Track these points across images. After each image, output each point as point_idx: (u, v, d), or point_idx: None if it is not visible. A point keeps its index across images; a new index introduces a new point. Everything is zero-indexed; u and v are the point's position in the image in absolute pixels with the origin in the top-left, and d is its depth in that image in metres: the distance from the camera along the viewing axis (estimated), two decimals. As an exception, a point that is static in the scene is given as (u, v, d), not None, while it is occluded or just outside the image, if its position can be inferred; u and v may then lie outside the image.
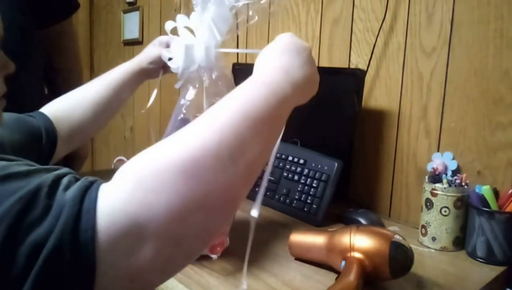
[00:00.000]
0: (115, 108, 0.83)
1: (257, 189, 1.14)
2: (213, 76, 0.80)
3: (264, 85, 0.48)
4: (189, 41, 0.80)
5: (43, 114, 0.80)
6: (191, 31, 0.81)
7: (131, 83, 0.85)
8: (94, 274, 0.35)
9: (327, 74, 1.22)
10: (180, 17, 0.82)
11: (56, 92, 1.31)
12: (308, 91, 0.59)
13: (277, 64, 0.53)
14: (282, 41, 0.58)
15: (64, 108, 0.83)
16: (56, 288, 0.34)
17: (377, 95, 1.19)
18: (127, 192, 0.37)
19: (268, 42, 1.49)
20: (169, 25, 0.82)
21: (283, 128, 0.52)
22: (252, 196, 1.20)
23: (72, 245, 0.34)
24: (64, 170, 0.40)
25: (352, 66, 1.24)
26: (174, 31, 0.83)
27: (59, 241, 0.34)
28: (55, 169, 0.40)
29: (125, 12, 2.36)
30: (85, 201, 0.36)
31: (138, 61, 0.86)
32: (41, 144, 0.76)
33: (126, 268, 0.36)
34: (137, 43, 2.29)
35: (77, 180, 0.39)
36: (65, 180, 0.38)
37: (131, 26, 2.31)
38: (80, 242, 0.34)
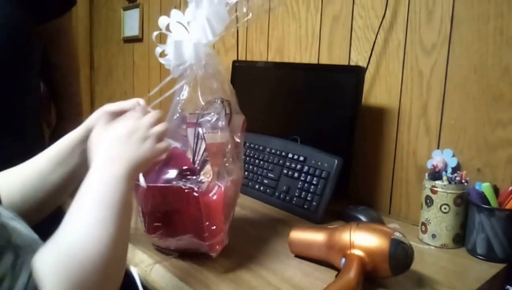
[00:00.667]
0: (66, 181, 0.72)
1: (256, 186, 1.14)
2: (207, 73, 0.80)
3: (105, 182, 0.58)
4: (178, 38, 0.80)
5: None
6: (185, 28, 0.81)
7: (75, 152, 0.73)
8: None
9: (327, 72, 1.23)
10: (175, 13, 0.82)
11: (54, 88, 1.30)
12: (143, 166, 0.66)
13: (108, 157, 0.62)
14: (113, 131, 0.66)
15: (7, 180, 0.72)
16: None
17: (377, 92, 1.19)
18: None
19: (268, 39, 1.49)
20: (162, 20, 0.82)
21: (132, 193, 0.64)
22: (251, 193, 1.21)
23: None
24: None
25: (352, 63, 1.24)
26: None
27: None
28: None
29: (125, 9, 2.35)
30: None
31: (84, 125, 0.75)
32: None
33: None
34: (137, 40, 2.28)
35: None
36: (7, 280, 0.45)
37: (131, 23, 2.31)
38: None
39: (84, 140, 0.71)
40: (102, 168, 0.60)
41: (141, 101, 0.74)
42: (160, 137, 0.68)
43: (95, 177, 0.59)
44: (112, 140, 0.64)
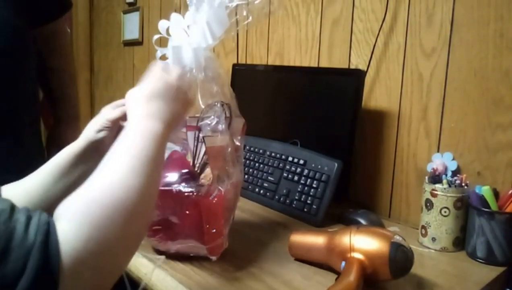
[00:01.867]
0: (69, 192, 0.70)
1: (256, 189, 1.14)
2: (207, 77, 0.80)
3: (143, 136, 0.58)
4: (177, 42, 0.80)
5: None
6: (185, 31, 0.81)
7: (80, 164, 0.72)
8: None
9: (327, 75, 1.23)
10: (174, 16, 0.82)
11: (51, 92, 1.30)
12: (179, 120, 0.69)
13: (146, 112, 0.62)
14: (147, 89, 0.66)
15: (11, 191, 0.71)
16: None
17: (377, 95, 1.19)
18: (82, 231, 0.45)
19: (268, 43, 1.49)
20: (162, 24, 0.82)
21: (165, 153, 0.64)
22: (251, 196, 1.20)
23: (43, 285, 0.41)
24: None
25: (352, 67, 1.24)
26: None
27: (31, 283, 0.40)
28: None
29: (125, 12, 2.36)
30: (50, 244, 0.43)
31: (84, 135, 0.74)
32: None
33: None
34: (137, 44, 2.29)
35: (27, 214, 0.45)
36: (21, 216, 0.44)
37: (131, 26, 2.31)
38: (49, 280, 0.42)
39: (85, 150, 0.72)
40: (139, 124, 0.60)
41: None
42: (189, 88, 0.70)
43: (131, 132, 0.59)
44: (148, 98, 0.64)
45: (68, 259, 0.43)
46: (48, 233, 0.43)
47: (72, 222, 0.45)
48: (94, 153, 0.72)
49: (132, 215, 0.50)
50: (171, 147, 0.84)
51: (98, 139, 0.71)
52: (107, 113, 0.73)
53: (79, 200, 0.48)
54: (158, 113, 0.62)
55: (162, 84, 0.66)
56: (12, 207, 0.45)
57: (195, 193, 0.75)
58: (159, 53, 0.84)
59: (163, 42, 0.83)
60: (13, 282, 0.40)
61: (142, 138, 0.58)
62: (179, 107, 0.67)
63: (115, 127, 0.73)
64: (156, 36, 0.82)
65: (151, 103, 0.64)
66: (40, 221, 0.44)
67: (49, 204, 0.68)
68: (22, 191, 0.70)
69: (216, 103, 0.80)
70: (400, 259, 0.70)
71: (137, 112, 0.63)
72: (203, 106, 0.79)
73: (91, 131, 0.73)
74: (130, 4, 2.32)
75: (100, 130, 0.73)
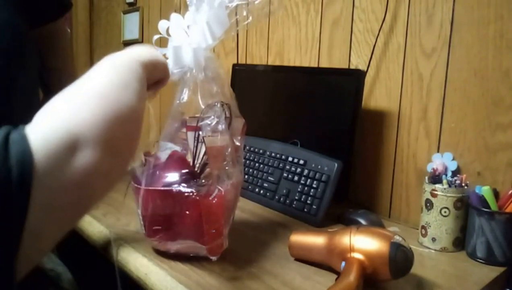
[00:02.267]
0: None
1: (256, 189, 1.14)
2: (207, 77, 0.80)
3: (119, 59, 0.56)
4: (177, 42, 0.80)
5: None
6: (185, 31, 0.81)
7: None
8: (30, 187, 0.37)
9: (327, 75, 1.23)
10: (174, 16, 0.82)
11: (51, 92, 1.31)
12: (155, 70, 0.64)
13: (126, 50, 0.60)
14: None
15: None
16: None
17: (377, 95, 1.19)
18: (58, 114, 0.44)
19: (268, 43, 1.49)
20: (162, 24, 0.82)
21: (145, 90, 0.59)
22: (251, 197, 1.20)
23: (4, 164, 0.36)
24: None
25: (352, 67, 1.24)
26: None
27: None
28: None
29: (125, 12, 2.36)
30: (12, 134, 0.39)
31: None
32: None
33: (70, 176, 0.40)
34: (137, 44, 2.29)
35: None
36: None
37: (131, 26, 2.31)
38: (12, 162, 0.37)
39: None
40: (118, 53, 0.58)
41: None
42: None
43: (110, 57, 0.56)
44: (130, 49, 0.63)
45: (39, 143, 0.39)
46: (10, 130, 0.40)
47: (40, 115, 0.45)
48: None
49: (112, 102, 0.47)
50: (171, 147, 0.84)
51: None
52: None
53: (56, 98, 0.48)
54: (135, 54, 0.60)
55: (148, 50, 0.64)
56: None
57: (195, 193, 0.75)
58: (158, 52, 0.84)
59: (163, 42, 0.83)
60: None
61: (121, 61, 0.56)
62: (158, 61, 0.64)
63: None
64: (156, 36, 0.82)
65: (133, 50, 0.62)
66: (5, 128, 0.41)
67: None
68: None
69: (216, 103, 0.80)
70: (400, 259, 0.70)
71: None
72: (203, 106, 0.79)
73: None
74: (130, 4, 2.32)
75: None
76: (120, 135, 0.47)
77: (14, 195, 0.36)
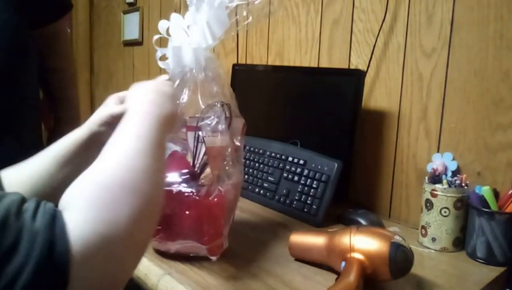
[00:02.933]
0: (73, 178, 0.69)
1: (256, 190, 1.14)
2: (207, 77, 0.80)
3: (145, 119, 0.58)
4: (177, 42, 0.80)
5: None
6: (185, 31, 0.81)
7: (81, 153, 0.73)
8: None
9: (327, 75, 1.23)
10: (174, 16, 0.82)
11: (51, 92, 1.31)
12: (173, 122, 0.68)
13: (148, 99, 0.63)
14: (142, 86, 0.68)
15: (14, 176, 0.73)
16: None
17: (377, 95, 1.19)
18: (91, 214, 0.43)
19: (268, 43, 1.49)
20: (162, 24, 0.82)
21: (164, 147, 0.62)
22: (251, 197, 1.20)
23: (50, 272, 0.38)
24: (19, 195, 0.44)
25: (352, 67, 1.24)
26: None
27: (35, 270, 0.37)
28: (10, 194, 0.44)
29: (125, 12, 2.36)
30: (56, 228, 0.40)
31: (88, 125, 0.75)
32: None
33: (99, 281, 0.42)
34: (137, 44, 2.29)
35: (36, 204, 0.43)
36: (30, 206, 0.42)
37: (131, 26, 2.31)
38: (57, 267, 0.39)
39: (87, 140, 0.72)
40: (140, 109, 0.61)
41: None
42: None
43: (134, 115, 0.59)
44: (150, 89, 0.66)
45: (78, 245, 0.40)
46: (54, 218, 0.41)
47: (79, 206, 0.43)
48: (96, 144, 0.71)
49: (141, 196, 0.48)
50: (171, 147, 0.84)
51: (100, 132, 0.71)
52: (110, 108, 0.73)
53: (85, 184, 0.46)
54: (160, 103, 0.63)
55: (162, 86, 0.69)
56: (23, 199, 0.43)
57: (195, 193, 0.75)
58: (159, 53, 0.84)
59: (163, 43, 0.83)
60: (18, 272, 0.37)
61: (146, 121, 0.58)
62: (173, 108, 0.67)
63: (117, 123, 0.72)
64: (156, 36, 0.82)
65: (153, 94, 0.65)
66: (47, 208, 0.42)
67: (54, 190, 0.67)
68: (25, 176, 0.71)
69: (216, 103, 0.80)
70: (400, 259, 0.70)
71: (139, 98, 0.63)
72: (203, 106, 0.79)
73: (94, 123, 0.73)
74: (130, 4, 2.32)
75: (102, 124, 0.72)
76: (148, 230, 0.50)
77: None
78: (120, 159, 0.50)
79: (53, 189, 0.69)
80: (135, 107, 0.62)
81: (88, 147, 0.71)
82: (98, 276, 0.42)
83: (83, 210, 0.43)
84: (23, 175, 0.71)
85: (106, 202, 0.44)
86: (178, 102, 0.71)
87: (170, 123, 0.65)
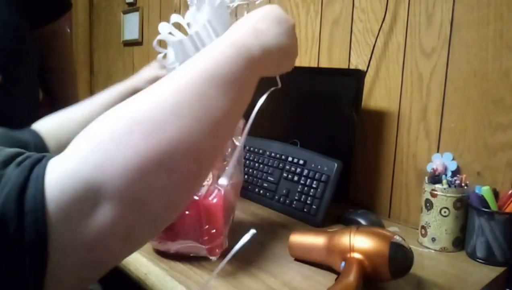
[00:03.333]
0: None
1: (256, 190, 1.14)
2: None
3: (232, 46, 0.46)
4: (178, 37, 0.80)
5: (32, 130, 0.77)
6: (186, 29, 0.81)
7: None
8: (46, 245, 0.32)
9: (327, 75, 1.23)
10: (175, 17, 0.82)
11: (51, 92, 1.31)
12: (280, 63, 0.56)
13: (251, 27, 0.50)
14: (266, 8, 0.56)
15: (52, 127, 0.76)
16: (3, 262, 0.31)
17: (377, 95, 1.19)
18: (79, 155, 0.35)
19: (268, 43, 1.49)
20: (163, 26, 0.82)
21: (251, 96, 0.51)
22: (250, 197, 1.20)
23: (17, 215, 0.32)
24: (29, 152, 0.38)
25: (351, 67, 1.24)
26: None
27: (1, 211, 0.31)
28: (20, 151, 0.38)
29: (125, 12, 2.36)
30: (34, 170, 0.34)
31: (132, 81, 0.77)
32: None
33: (82, 235, 0.34)
34: (137, 44, 2.29)
35: (28, 155, 0.37)
36: (22, 157, 0.36)
37: (130, 26, 2.31)
38: (26, 211, 0.32)
39: (129, 96, 0.70)
40: (233, 34, 0.49)
41: None
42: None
43: (219, 41, 0.47)
44: (258, 16, 0.53)
45: (53, 190, 0.33)
46: (36, 164, 0.35)
47: (70, 147, 0.36)
48: None
49: (160, 139, 0.37)
50: None
51: (143, 87, 0.68)
52: (157, 71, 0.72)
53: (91, 125, 0.38)
54: (263, 34, 0.50)
55: (280, 12, 0.56)
56: (19, 152, 0.37)
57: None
58: (160, 56, 0.84)
59: (163, 45, 0.83)
60: None
61: (225, 48, 0.46)
62: (288, 46, 0.54)
63: None
64: (156, 38, 0.82)
65: (260, 22, 0.52)
66: (35, 157, 0.36)
67: None
68: (71, 121, 0.72)
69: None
70: (399, 259, 0.70)
71: (240, 26, 0.51)
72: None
73: (138, 80, 0.73)
74: (130, 4, 2.32)
75: (146, 82, 0.71)
76: (157, 187, 0.37)
77: (28, 254, 0.32)
78: (158, 95, 0.40)
79: None
80: (234, 30, 0.50)
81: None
82: (81, 232, 0.34)
83: (72, 149, 0.36)
84: (65, 124, 0.72)
85: (103, 140, 0.36)
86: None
87: (270, 62, 0.53)
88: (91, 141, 0.36)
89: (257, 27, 0.50)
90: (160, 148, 0.36)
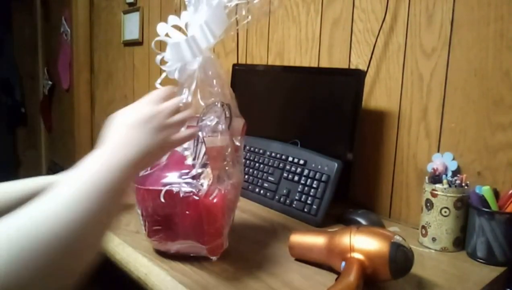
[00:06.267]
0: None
1: (256, 190, 1.14)
2: (207, 77, 0.80)
3: (103, 163, 0.54)
4: (175, 39, 0.80)
5: None
6: (184, 31, 0.81)
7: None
8: None
9: (327, 75, 1.23)
10: (172, 18, 0.82)
11: None
12: (151, 158, 0.63)
13: (119, 140, 0.59)
14: (136, 109, 0.63)
15: None
16: None
17: (377, 95, 1.19)
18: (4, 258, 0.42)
19: (268, 43, 1.49)
20: (161, 27, 0.82)
21: (124, 195, 0.57)
22: (251, 197, 1.20)
23: None
24: None
25: (352, 67, 1.24)
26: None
27: None
28: None
29: (125, 12, 2.36)
30: None
31: (49, 177, 0.77)
32: None
33: None
34: (137, 44, 2.29)
35: None
36: None
37: (131, 26, 2.31)
38: None
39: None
40: (108, 152, 0.56)
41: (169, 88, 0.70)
42: (178, 127, 0.66)
43: (97, 159, 0.55)
44: (126, 125, 0.61)
45: None
46: None
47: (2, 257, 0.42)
48: None
49: (59, 248, 0.46)
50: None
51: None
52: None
53: (8, 226, 0.45)
54: (135, 141, 0.59)
55: (147, 111, 0.63)
56: None
57: (195, 193, 0.75)
58: (159, 57, 0.84)
59: (162, 46, 0.83)
60: None
61: (105, 170, 0.53)
62: (154, 143, 0.62)
63: None
64: (155, 40, 0.82)
65: (131, 130, 0.60)
66: None
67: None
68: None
69: (216, 103, 0.80)
70: (400, 259, 0.70)
71: (111, 138, 0.59)
72: (202, 107, 0.79)
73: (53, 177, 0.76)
74: (130, 4, 2.32)
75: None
76: (67, 273, 0.48)
77: None
78: (57, 207, 0.47)
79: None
80: (104, 147, 0.58)
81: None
82: None
83: None
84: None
85: (18, 250, 0.43)
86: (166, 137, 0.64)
87: (142, 162, 0.60)
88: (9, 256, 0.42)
89: (122, 141, 0.58)
90: (62, 254, 0.46)
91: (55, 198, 0.48)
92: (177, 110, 0.67)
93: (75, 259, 0.48)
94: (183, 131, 0.68)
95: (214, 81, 0.80)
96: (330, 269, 0.79)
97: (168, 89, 0.70)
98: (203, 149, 0.80)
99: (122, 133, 0.60)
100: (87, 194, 0.50)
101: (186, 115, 0.68)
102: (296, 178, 1.10)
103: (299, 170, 1.10)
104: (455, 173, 1.00)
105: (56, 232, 0.45)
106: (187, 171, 0.79)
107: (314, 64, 1.35)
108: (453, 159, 1.02)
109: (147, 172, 0.78)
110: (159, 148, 0.63)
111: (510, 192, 0.87)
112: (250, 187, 1.20)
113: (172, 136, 0.65)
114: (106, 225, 0.53)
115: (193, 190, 0.75)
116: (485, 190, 0.89)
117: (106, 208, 0.52)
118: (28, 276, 0.43)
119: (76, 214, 0.48)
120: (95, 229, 0.51)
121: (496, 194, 0.90)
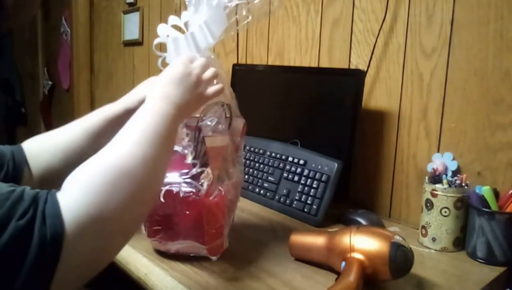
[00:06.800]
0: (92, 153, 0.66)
1: (256, 190, 1.14)
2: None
3: (154, 114, 0.63)
4: (175, 36, 0.80)
5: (18, 146, 0.77)
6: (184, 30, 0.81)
7: (113, 128, 0.73)
8: (60, 249, 0.44)
9: (327, 75, 1.23)
10: (172, 18, 0.82)
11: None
12: (192, 109, 0.73)
13: (162, 95, 0.67)
14: (168, 72, 0.71)
15: (35, 147, 0.78)
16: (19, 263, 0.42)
17: (377, 95, 1.19)
18: (82, 197, 0.47)
19: (268, 43, 1.49)
20: (162, 28, 0.82)
21: (176, 135, 0.69)
22: (251, 197, 1.20)
23: (48, 251, 0.43)
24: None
25: (352, 67, 1.24)
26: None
27: (37, 251, 0.43)
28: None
29: (125, 12, 2.36)
30: (47, 202, 0.46)
31: (123, 104, 0.80)
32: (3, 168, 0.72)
33: (87, 258, 0.48)
34: (137, 44, 2.29)
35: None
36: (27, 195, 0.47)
37: (131, 26, 2.31)
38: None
39: (121, 116, 0.79)
40: (154, 104, 0.64)
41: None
42: (209, 83, 0.74)
43: (144, 110, 0.63)
44: (166, 82, 0.69)
45: (70, 225, 0.45)
46: (45, 203, 0.46)
47: (75, 190, 0.48)
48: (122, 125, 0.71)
49: (136, 184, 0.52)
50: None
51: (135, 109, 0.71)
52: (146, 91, 0.79)
53: (84, 169, 0.51)
54: (172, 97, 0.66)
55: (182, 70, 0.70)
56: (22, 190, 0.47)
57: (195, 193, 0.75)
58: (160, 59, 0.84)
59: (163, 47, 0.83)
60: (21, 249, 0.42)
61: (153, 116, 0.62)
62: (192, 97, 0.70)
63: None
64: (156, 41, 0.82)
65: (167, 87, 0.68)
66: (41, 195, 0.47)
67: (81, 161, 0.68)
68: (51, 147, 0.77)
69: (216, 104, 0.80)
70: (400, 259, 0.70)
71: (156, 92, 0.67)
72: (203, 106, 0.79)
73: (129, 101, 0.81)
74: (130, 4, 2.32)
75: (137, 102, 0.79)
76: (139, 213, 0.56)
77: (46, 262, 0.44)
78: (122, 148, 0.55)
79: (81, 161, 0.69)
80: (149, 101, 0.65)
81: (121, 123, 0.71)
82: (86, 251, 0.47)
83: (77, 194, 0.48)
84: (49, 146, 0.77)
85: (100, 186, 0.48)
86: (201, 90, 0.73)
87: (186, 111, 0.69)
88: (98, 188, 0.49)
89: (167, 94, 0.67)
90: (138, 187, 0.53)
91: (129, 140, 0.57)
92: (206, 67, 0.74)
93: (148, 192, 0.56)
94: (215, 86, 0.75)
95: (214, 81, 0.80)
96: (330, 269, 0.79)
97: (188, 55, 0.76)
98: (203, 149, 0.80)
99: (162, 88, 0.68)
100: (151, 136, 0.58)
101: (215, 71, 0.75)
102: (296, 178, 1.10)
103: (299, 170, 1.10)
104: (455, 173, 1.00)
105: (136, 167, 0.53)
106: (187, 171, 0.79)
107: (314, 64, 1.35)
108: (453, 159, 1.02)
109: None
110: (196, 101, 0.72)
111: (510, 192, 0.87)
112: (250, 187, 1.20)
113: (206, 91, 0.74)
114: (166, 163, 0.64)
115: (193, 190, 0.75)
116: (485, 190, 0.89)
117: (166, 148, 0.62)
118: (113, 207, 0.48)
119: (147, 153, 0.56)
120: (161, 166, 0.60)
121: (496, 194, 0.90)
